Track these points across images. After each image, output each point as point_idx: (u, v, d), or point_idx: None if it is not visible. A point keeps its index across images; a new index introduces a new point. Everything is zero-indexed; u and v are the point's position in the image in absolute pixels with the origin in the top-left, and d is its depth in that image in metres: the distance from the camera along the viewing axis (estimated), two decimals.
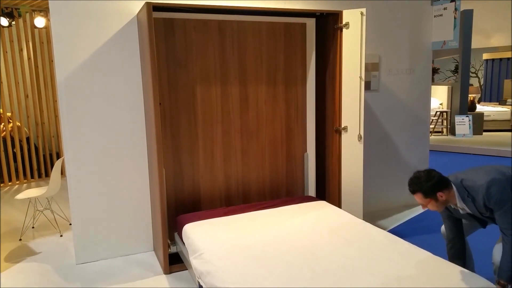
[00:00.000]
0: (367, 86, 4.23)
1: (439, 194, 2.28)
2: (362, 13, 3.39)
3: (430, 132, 9.23)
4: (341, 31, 3.51)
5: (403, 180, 4.64)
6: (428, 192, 2.27)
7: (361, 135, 3.52)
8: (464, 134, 9.27)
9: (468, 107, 9.82)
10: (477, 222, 2.47)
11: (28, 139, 6.28)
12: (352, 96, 3.54)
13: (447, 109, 10.00)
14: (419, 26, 4.47)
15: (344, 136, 3.63)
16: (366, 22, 3.72)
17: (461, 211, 2.40)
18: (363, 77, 3.45)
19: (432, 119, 9.52)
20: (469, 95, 10.12)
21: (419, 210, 4.55)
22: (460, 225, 2.56)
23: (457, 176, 2.35)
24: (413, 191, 2.33)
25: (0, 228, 4.32)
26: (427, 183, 2.26)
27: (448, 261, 2.34)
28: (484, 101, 12.81)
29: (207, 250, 2.59)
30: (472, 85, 11.83)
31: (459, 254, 2.57)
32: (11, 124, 6.14)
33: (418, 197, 2.32)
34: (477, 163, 5.49)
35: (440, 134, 9.92)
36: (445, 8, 4.40)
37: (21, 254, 3.67)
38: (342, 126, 3.62)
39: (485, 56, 12.79)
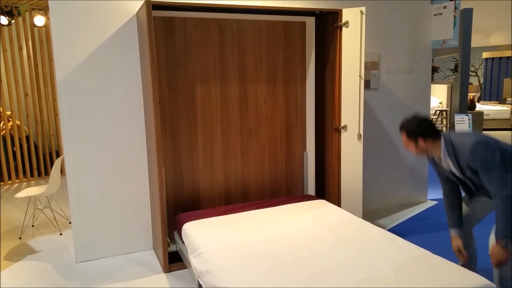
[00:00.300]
0: (367, 85, 4.23)
1: (420, 139, 2.37)
2: (361, 12, 3.39)
3: None
4: (341, 29, 3.50)
5: (402, 179, 4.67)
6: (411, 133, 2.40)
7: (360, 134, 3.53)
8: None
9: (467, 106, 9.79)
10: (461, 185, 2.55)
11: (27, 137, 6.28)
12: (351, 94, 3.54)
13: (447, 108, 10.01)
14: (419, 24, 4.47)
15: (343, 135, 3.64)
16: (366, 21, 3.72)
17: (444, 166, 2.44)
18: (362, 75, 3.45)
19: (432, 118, 9.53)
20: (469, 94, 10.10)
21: (418, 209, 4.55)
22: (455, 183, 2.61)
23: (450, 134, 2.43)
24: (400, 128, 2.48)
25: (0, 226, 4.32)
26: (414, 126, 2.39)
27: (448, 260, 2.34)
28: (484, 100, 12.82)
29: (206, 249, 2.60)
30: (471, 84, 11.83)
31: (453, 205, 2.61)
32: (10, 123, 6.14)
33: (402, 135, 2.46)
34: None
35: None
36: (444, 7, 4.40)
37: (21, 252, 3.67)
38: (342, 125, 3.62)
39: (485, 55, 12.79)
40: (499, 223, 2.24)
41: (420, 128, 2.37)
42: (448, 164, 2.40)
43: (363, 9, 3.40)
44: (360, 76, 3.45)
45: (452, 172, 2.45)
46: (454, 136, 2.39)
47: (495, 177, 2.22)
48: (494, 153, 2.24)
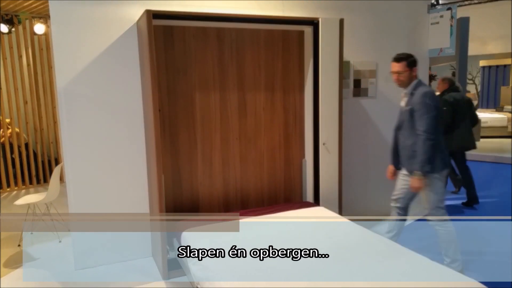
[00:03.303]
0: (365, 93, 4.27)
1: (414, 69, 3.07)
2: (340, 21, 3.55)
3: None
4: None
5: None
6: (411, 62, 3.05)
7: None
8: None
9: None
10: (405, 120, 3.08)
11: (26, 145, 6.29)
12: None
13: None
14: (416, 33, 4.52)
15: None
16: (364, 29, 3.75)
17: (402, 103, 3.11)
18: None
19: None
20: None
21: (417, 216, 4.56)
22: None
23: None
24: (400, 58, 3.05)
25: (0, 233, 4.32)
26: (413, 58, 3.07)
27: (446, 267, 2.35)
28: (481, 107, 12.87)
29: (205, 256, 2.60)
30: (469, 91, 11.90)
31: (395, 150, 3.28)
32: (10, 130, 6.15)
33: (401, 63, 3.03)
34: (475, 170, 5.51)
35: None
36: (441, 16, 4.46)
37: (20, 259, 3.67)
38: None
39: (482, 63, 12.88)
40: (418, 157, 2.87)
41: (415, 62, 3.08)
42: (405, 98, 3.05)
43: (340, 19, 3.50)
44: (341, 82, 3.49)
45: (401, 112, 3.12)
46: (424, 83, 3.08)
47: (426, 118, 2.84)
48: (435, 104, 2.87)
